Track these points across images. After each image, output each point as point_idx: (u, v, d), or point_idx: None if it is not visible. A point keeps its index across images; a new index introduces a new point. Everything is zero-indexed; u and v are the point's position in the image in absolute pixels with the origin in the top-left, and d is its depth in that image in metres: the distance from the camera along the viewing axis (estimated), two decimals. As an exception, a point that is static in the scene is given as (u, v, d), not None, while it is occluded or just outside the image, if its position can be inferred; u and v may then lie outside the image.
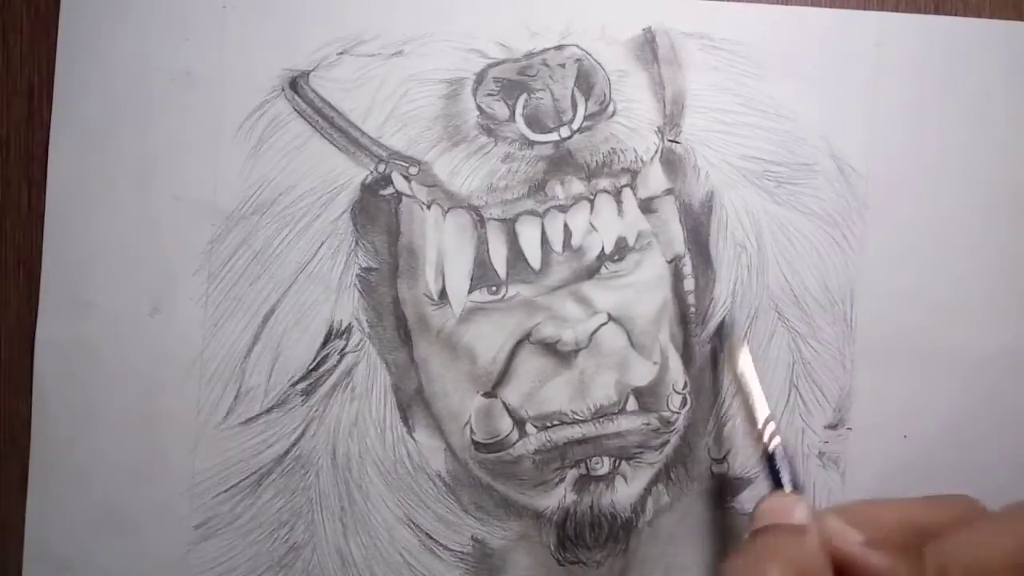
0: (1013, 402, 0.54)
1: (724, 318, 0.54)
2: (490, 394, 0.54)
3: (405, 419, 0.54)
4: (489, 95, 0.54)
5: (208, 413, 0.54)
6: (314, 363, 0.54)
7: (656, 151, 0.54)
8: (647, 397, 0.54)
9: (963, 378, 0.54)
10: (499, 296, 0.54)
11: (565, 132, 0.54)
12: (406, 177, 0.54)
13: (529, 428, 0.54)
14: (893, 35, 0.55)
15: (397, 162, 0.54)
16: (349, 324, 0.54)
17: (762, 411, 0.48)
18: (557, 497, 0.54)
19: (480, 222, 0.54)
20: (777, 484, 0.45)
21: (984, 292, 0.54)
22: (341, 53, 0.55)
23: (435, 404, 0.54)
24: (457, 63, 0.54)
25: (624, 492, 0.54)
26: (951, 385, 0.54)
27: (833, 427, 0.54)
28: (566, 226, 0.54)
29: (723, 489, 0.54)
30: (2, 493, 0.54)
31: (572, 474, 0.54)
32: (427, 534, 0.54)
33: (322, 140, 0.54)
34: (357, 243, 0.54)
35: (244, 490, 0.54)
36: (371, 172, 0.54)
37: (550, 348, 0.54)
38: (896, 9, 0.56)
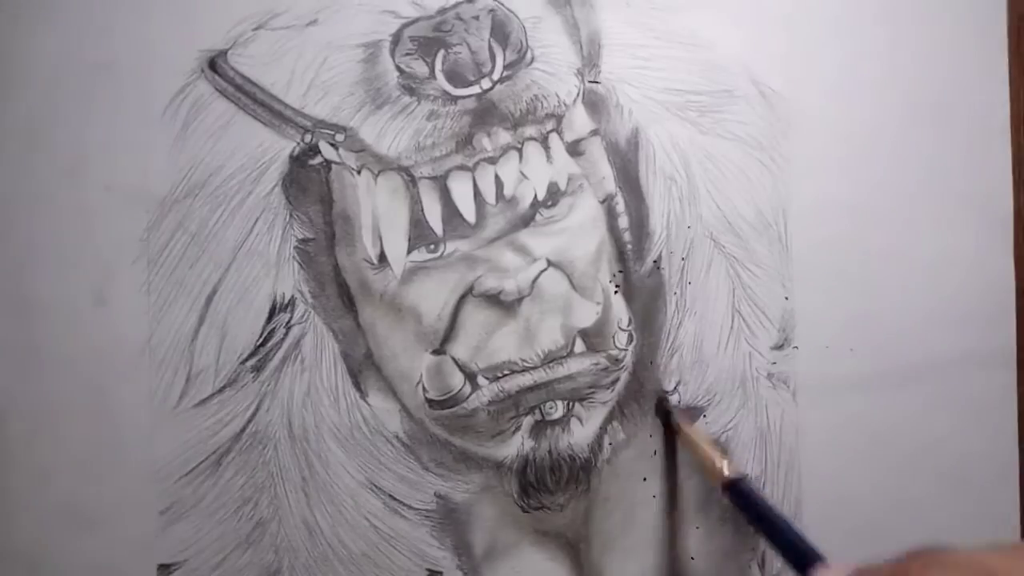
0: (952, 299, 0.55)
1: (660, 253, 0.55)
2: (439, 351, 0.54)
3: (357, 385, 0.54)
4: (407, 55, 0.54)
5: (161, 398, 0.54)
6: (261, 339, 0.54)
7: (578, 93, 0.55)
8: (593, 337, 0.54)
9: (901, 284, 0.55)
10: (438, 254, 0.54)
11: (486, 84, 0.54)
12: (333, 145, 0.54)
13: (480, 380, 0.54)
14: (802, -44, 0.55)
15: (323, 131, 0.54)
16: (292, 297, 0.54)
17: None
18: (515, 445, 0.54)
19: (412, 182, 0.54)
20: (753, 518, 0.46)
21: (910, 196, 0.55)
22: (256, 28, 0.55)
23: (386, 367, 0.55)
24: (372, 26, 0.54)
25: (580, 433, 0.54)
26: (890, 293, 0.55)
27: (779, 347, 0.54)
28: (497, 177, 0.54)
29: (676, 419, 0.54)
30: (-35, 499, 0.54)
31: (527, 421, 0.54)
32: (390, 496, 0.54)
33: (246, 117, 0.54)
34: (292, 215, 0.54)
35: (205, 471, 0.54)
36: (298, 143, 0.54)
37: (493, 300, 0.54)
38: (803, -70, 0.56)
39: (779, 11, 0.55)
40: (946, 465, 0.54)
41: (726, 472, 0.48)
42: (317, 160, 0.54)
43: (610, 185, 0.55)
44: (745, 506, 0.47)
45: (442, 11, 0.54)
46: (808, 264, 0.54)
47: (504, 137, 0.54)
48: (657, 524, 0.54)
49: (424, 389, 0.54)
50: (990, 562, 0.32)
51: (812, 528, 0.53)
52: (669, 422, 0.54)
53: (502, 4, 0.54)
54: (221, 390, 0.54)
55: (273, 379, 0.54)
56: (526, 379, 0.54)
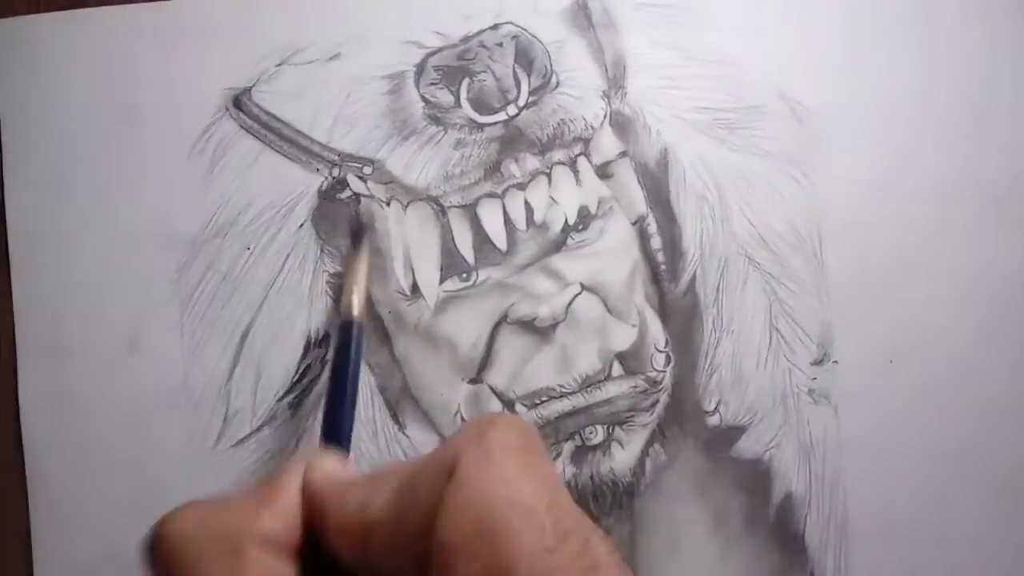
0: (992, 308, 0.54)
1: (695, 272, 0.54)
2: (476, 380, 0.54)
3: (395, 417, 0.54)
4: (432, 84, 0.54)
5: (199, 441, 0.54)
6: (297, 375, 0.54)
7: (605, 116, 0.54)
8: (631, 360, 0.54)
9: (938, 295, 0.54)
10: (471, 282, 0.54)
11: (512, 110, 0.54)
12: (361, 178, 0.54)
13: (519, 408, 0.54)
14: (823, -33, 0.55)
15: (350, 164, 0.54)
16: (326, 331, 0.54)
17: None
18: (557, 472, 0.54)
19: (441, 212, 0.54)
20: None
21: (945, 205, 0.54)
22: (279, 64, 0.55)
23: (423, 398, 0.54)
24: (395, 57, 0.54)
25: (622, 457, 0.54)
26: (928, 303, 0.54)
27: (819, 363, 0.54)
28: (527, 203, 0.54)
29: (719, 439, 0.54)
30: (6, 551, 0.54)
31: (568, 447, 0.54)
32: (433, 528, 0.54)
33: (273, 153, 0.54)
34: (322, 250, 0.54)
35: (246, 511, 0.54)
36: (326, 178, 0.54)
37: (528, 326, 0.54)
38: (823, -59, 0.56)
39: (805, 25, 0.55)
40: (994, 476, 0.53)
41: (353, 311, 0.49)
42: (346, 194, 0.54)
43: (641, 207, 0.55)
44: (337, 350, 0.49)
45: (465, 39, 0.54)
46: (845, 277, 0.54)
47: (532, 163, 0.54)
48: (704, 546, 0.54)
49: (463, 419, 0.54)
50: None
51: (860, 543, 0.53)
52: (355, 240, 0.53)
53: (525, 30, 0.54)
54: (259, 429, 0.54)
55: (311, 415, 0.54)
56: (564, 405, 0.54)
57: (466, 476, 0.30)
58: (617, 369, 0.54)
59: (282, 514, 0.34)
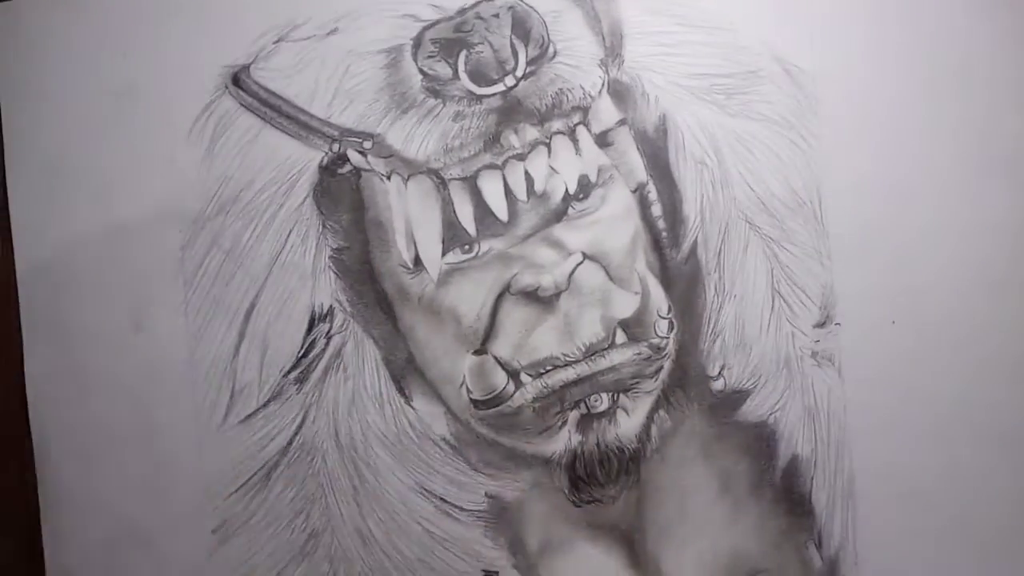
0: (991, 265, 0.54)
1: (696, 238, 0.55)
2: (480, 351, 0.54)
3: (401, 390, 0.54)
4: (429, 57, 0.54)
5: (207, 417, 0.54)
6: (302, 350, 0.54)
7: (603, 84, 0.54)
8: (634, 327, 0.54)
9: (939, 254, 0.54)
10: (473, 254, 0.54)
11: (510, 81, 0.54)
12: (361, 152, 0.54)
13: (524, 378, 0.54)
14: (817, -68, 0.55)
15: (350, 139, 0.54)
16: (331, 306, 0.54)
17: None
18: (563, 441, 0.54)
19: (442, 184, 0.54)
20: None
21: (942, 164, 0.54)
22: (277, 41, 0.55)
23: (428, 370, 0.55)
24: (393, 31, 0.54)
25: (627, 424, 0.54)
26: (928, 263, 0.54)
27: (821, 325, 0.54)
28: (527, 173, 0.54)
29: (724, 404, 0.54)
30: (18, 528, 0.54)
31: (573, 415, 0.54)
32: (441, 499, 0.54)
33: (273, 130, 0.55)
34: (324, 225, 0.54)
35: (255, 486, 0.54)
36: (326, 153, 0.54)
37: (531, 296, 0.54)
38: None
39: (799, -12, 0.55)
40: (998, 433, 0.53)
41: None
42: (346, 168, 0.54)
43: (641, 174, 0.55)
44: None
45: (462, 11, 0.54)
46: (845, 240, 0.54)
47: (532, 133, 0.54)
48: (711, 510, 0.54)
49: (468, 390, 0.54)
50: None
51: (867, 502, 0.53)
52: None
53: (521, 0, 0.54)
54: (266, 404, 0.54)
55: (317, 390, 0.54)
56: (569, 373, 0.54)
57: None
58: (621, 337, 0.54)
59: None
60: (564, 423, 0.54)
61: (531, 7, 0.54)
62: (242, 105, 0.55)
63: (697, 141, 0.54)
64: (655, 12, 0.55)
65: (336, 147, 0.54)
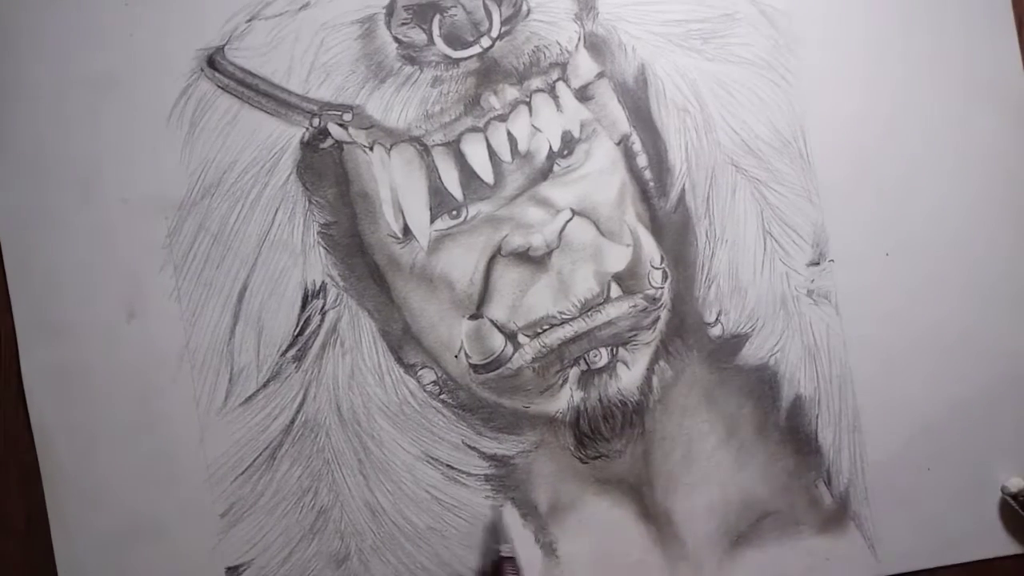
0: (979, 192, 0.54)
1: (683, 186, 0.54)
2: (476, 315, 0.54)
3: (400, 360, 0.54)
4: (403, 24, 0.54)
5: (207, 402, 0.54)
6: (298, 328, 0.54)
7: (579, 38, 0.54)
8: (628, 280, 0.54)
9: (928, 181, 0.54)
10: (461, 219, 0.54)
11: (486, 42, 0.54)
12: (342, 125, 0.54)
13: (521, 338, 0.54)
14: None
15: (330, 112, 0.54)
16: (323, 282, 0.54)
17: None
18: (565, 398, 0.54)
19: (425, 151, 0.54)
20: None
21: (923, 94, 0.54)
22: (250, 20, 0.55)
23: (425, 338, 0.54)
24: (365, 1, 0.54)
25: (628, 377, 0.54)
26: (919, 191, 0.54)
27: (815, 263, 0.54)
28: (509, 134, 0.54)
29: (723, 350, 0.54)
30: (26, 527, 0.54)
31: (574, 373, 0.54)
32: (448, 465, 0.54)
33: (252, 109, 0.54)
34: (311, 201, 0.54)
35: (260, 468, 0.54)
36: (307, 128, 0.54)
37: (523, 257, 0.54)
38: None
39: (768, -72, 0.55)
40: (996, 361, 0.53)
41: None
42: (328, 143, 0.54)
43: (624, 125, 0.55)
44: None
45: (432, -24, 0.54)
46: (833, 175, 0.54)
47: (511, 93, 0.54)
48: (717, 456, 0.54)
49: (467, 355, 0.54)
50: None
51: (873, 437, 0.53)
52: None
53: (491, -40, 0.54)
54: (265, 385, 0.54)
55: (316, 366, 0.54)
56: (566, 331, 0.54)
57: None
58: (615, 290, 0.54)
59: None
60: (565, 381, 0.54)
61: (502, -34, 0.54)
62: (219, 87, 0.54)
63: (678, 88, 0.54)
64: (626, -38, 0.54)
65: (316, 122, 0.54)
